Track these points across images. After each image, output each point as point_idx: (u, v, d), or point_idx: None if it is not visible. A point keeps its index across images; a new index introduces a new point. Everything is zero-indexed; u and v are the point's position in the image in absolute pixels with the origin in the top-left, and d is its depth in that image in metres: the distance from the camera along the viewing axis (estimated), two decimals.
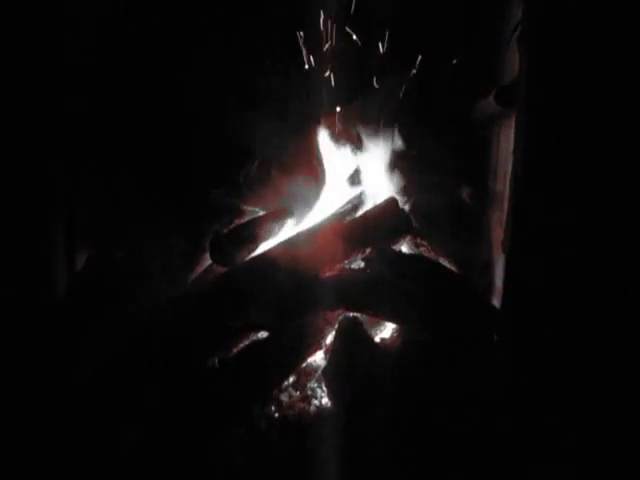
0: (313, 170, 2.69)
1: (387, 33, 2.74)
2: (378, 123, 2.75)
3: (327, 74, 2.74)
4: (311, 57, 2.70)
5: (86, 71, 2.38)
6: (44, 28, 2.11)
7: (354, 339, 2.02)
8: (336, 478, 1.68)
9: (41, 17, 2.10)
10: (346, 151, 2.73)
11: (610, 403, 1.75)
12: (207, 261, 2.44)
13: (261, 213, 2.59)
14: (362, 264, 2.24)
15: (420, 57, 2.76)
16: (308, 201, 2.62)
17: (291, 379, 2.12)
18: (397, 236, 2.41)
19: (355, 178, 2.71)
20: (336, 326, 2.10)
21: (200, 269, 2.47)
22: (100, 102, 2.48)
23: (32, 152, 2.12)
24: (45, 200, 2.22)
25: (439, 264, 2.35)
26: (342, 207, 2.53)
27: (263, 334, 2.14)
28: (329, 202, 2.62)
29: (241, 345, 2.12)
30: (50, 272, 2.23)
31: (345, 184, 2.70)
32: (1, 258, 2.06)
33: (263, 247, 2.38)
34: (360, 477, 1.70)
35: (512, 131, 2.00)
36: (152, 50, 2.60)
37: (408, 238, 2.48)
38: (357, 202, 2.57)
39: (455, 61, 2.72)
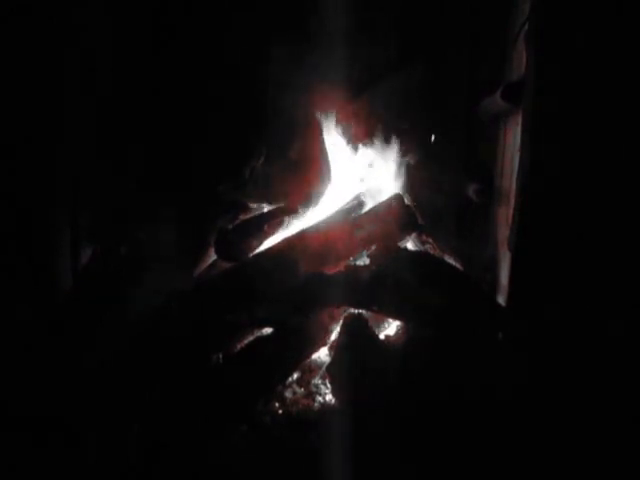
0: (319, 166, 2.68)
1: (395, 29, 2.73)
2: (385, 119, 2.74)
3: (335, 70, 2.73)
4: (319, 51, 2.68)
5: (90, 70, 2.39)
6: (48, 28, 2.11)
7: (359, 336, 2.02)
8: (340, 475, 1.68)
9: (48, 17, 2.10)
10: (352, 147, 2.72)
11: (617, 402, 1.75)
12: (212, 257, 2.45)
13: (266, 209, 2.59)
14: (367, 261, 2.24)
15: (428, 54, 2.76)
16: (313, 197, 2.61)
17: (295, 375, 2.12)
18: (403, 233, 2.40)
19: (361, 175, 2.71)
20: (341, 323, 2.10)
21: (205, 265, 2.48)
22: (105, 99, 2.48)
23: (37, 149, 2.13)
24: (50, 195, 2.22)
25: (444, 261, 2.35)
26: (348, 203, 2.53)
27: (267, 330, 2.14)
28: (335, 198, 2.62)
29: (245, 341, 2.13)
30: (55, 267, 2.23)
31: (351, 180, 2.70)
32: (5, 254, 2.06)
33: (268, 243, 2.38)
34: (365, 474, 1.70)
35: (518, 128, 1.99)
36: (160, 44, 2.59)
37: (414, 235, 2.47)
38: (363, 198, 2.56)
39: (462, 58, 2.71)
